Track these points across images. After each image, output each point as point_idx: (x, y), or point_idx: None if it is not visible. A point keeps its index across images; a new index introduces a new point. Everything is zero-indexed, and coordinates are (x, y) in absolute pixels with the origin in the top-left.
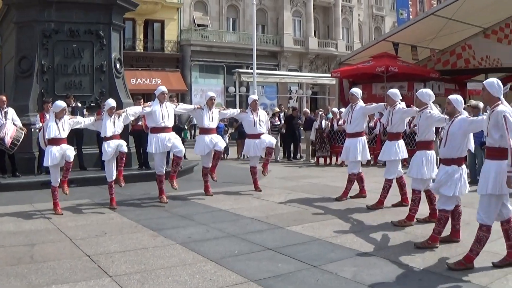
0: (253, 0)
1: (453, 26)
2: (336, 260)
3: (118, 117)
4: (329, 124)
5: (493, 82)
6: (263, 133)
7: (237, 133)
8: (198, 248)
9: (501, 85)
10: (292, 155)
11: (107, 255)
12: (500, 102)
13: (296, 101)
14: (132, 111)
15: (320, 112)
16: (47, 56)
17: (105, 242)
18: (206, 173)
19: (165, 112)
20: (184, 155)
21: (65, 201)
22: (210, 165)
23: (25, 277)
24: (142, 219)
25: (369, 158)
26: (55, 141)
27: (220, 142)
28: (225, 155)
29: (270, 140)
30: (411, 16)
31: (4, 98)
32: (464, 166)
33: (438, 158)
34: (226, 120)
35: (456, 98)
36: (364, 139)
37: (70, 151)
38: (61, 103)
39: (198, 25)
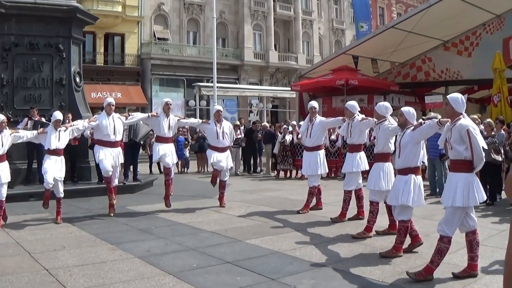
0: (213, 13)
1: (413, 39)
2: (295, 273)
3: (65, 131)
4: (292, 137)
5: (457, 97)
6: (227, 147)
7: (197, 145)
8: (157, 261)
9: (465, 101)
10: (252, 168)
11: (65, 269)
12: (461, 116)
13: (257, 115)
14: (80, 125)
15: (284, 126)
16: (7, 70)
17: (63, 256)
18: (168, 172)
19: (112, 125)
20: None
21: (24, 215)
22: (171, 164)
23: None
24: (101, 233)
25: (327, 171)
26: None
27: (168, 158)
28: (185, 169)
29: (225, 171)
30: (372, 29)
31: None
32: (420, 177)
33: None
34: (186, 133)
35: (408, 110)
36: (323, 152)
37: (4, 177)
38: (0, 116)
39: (159, 38)
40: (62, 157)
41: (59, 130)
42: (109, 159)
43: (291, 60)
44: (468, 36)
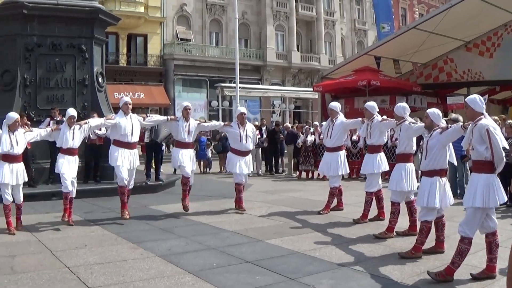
0: (235, 14)
1: (435, 39)
2: (314, 273)
3: (79, 128)
4: (314, 138)
5: (475, 98)
6: (249, 150)
7: (220, 146)
8: (177, 260)
9: (483, 100)
10: (274, 169)
11: (86, 267)
12: (482, 116)
13: (279, 115)
14: (94, 123)
15: (306, 126)
16: (30, 70)
17: (85, 254)
18: (185, 182)
19: (129, 125)
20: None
21: (46, 214)
22: (190, 173)
23: (5, 287)
24: (123, 232)
25: (348, 171)
26: (7, 158)
27: (188, 167)
28: (208, 169)
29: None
30: (394, 30)
31: None
32: (445, 178)
33: (420, 171)
34: (208, 134)
35: (433, 111)
36: (344, 153)
37: (19, 178)
38: (13, 114)
39: (181, 39)
40: (76, 156)
41: (73, 128)
42: (126, 164)
43: (313, 61)
44: (489, 37)
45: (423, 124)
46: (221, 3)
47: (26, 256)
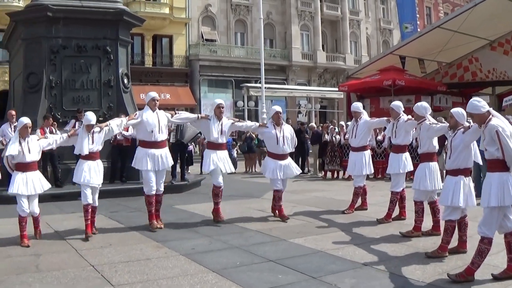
0: (260, 14)
1: (459, 38)
2: (336, 272)
3: (99, 131)
4: (339, 138)
5: (471, 104)
6: (288, 153)
7: (246, 146)
8: (201, 259)
9: (480, 102)
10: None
11: (111, 265)
12: (491, 116)
13: (305, 115)
14: (115, 123)
15: (330, 126)
16: (55, 72)
17: (109, 253)
18: (217, 193)
19: (156, 121)
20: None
21: (72, 213)
22: (222, 183)
23: (29, 285)
24: (147, 231)
25: (373, 171)
26: (20, 166)
27: (220, 177)
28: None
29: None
30: (418, 29)
31: (13, 112)
32: (470, 178)
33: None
34: (234, 134)
35: (458, 111)
36: (368, 152)
37: (37, 187)
38: (23, 119)
39: (206, 40)
40: (99, 160)
41: (93, 132)
42: (153, 166)
43: (339, 61)
44: None
45: (445, 124)
46: (246, 3)
47: (51, 255)
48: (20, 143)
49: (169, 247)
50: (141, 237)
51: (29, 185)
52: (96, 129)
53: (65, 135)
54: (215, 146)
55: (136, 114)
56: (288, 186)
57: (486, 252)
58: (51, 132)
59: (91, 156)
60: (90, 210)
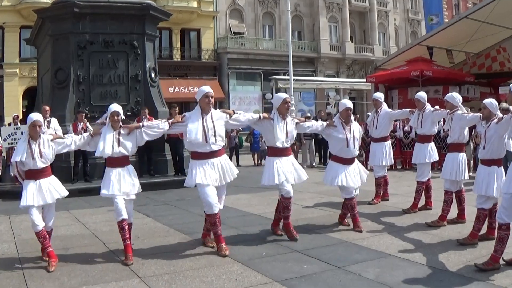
0: (287, 7)
1: (487, 29)
2: (361, 262)
3: (128, 133)
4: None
5: None
6: (355, 157)
7: None
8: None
9: None
10: (322, 160)
11: (138, 258)
12: None
13: (334, 107)
14: (153, 129)
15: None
16: (83, 67)
17: (137, 246)
18: (287, 205)
19: (210, 127)
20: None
21: (100, 208)
22: (292, 192)
23: (58, 279)
24: (175, 224)
25: (393, 162)
26: (30, 174)
27: (289, 184)
28: (261, 161)
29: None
30: (446, 20)
31: (47, 108)
32: (502, 168)
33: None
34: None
35: (491, 102)
36: (389, 143)
37: (48, 197)
38: (33, 115)
39: (234, 33)
40: (130, 166)
41: (119, 131)
42: (211, 181)
43: (367, 52)
44: None
45: (477, 114)
46: None
47: (80, 249)
48: (30, 145)
49: (196, 239)
50: (168, 230)
51: (43, 194)
52: (124, 130)
53: (86, 134)
54: (279, 152)
55: (184, 116)
56: (314, 177)
57: (507, 238)
58: (84, 129)
59: (119, 161)
60: (126, 227)
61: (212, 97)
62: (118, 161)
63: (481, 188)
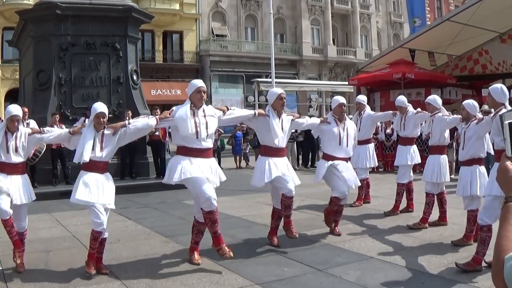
0: (270, 9)
1: (469, 31)
2: (342, 264)
3: (113, 134)
4: None
5: (497, 88)
6: (350, 157)
7: (256, 140)
8: (209, 253)
9: (506, 91)
10: (310, 162)
11: (119, 261)
12: (503, 107)
13: (316, 109)
14: (140, 124)
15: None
16: (65, 69)
17: (118, 249)
18: (289, 204)
19: (202, 123)
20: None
21: (82, 210)
22: (293, 190)
23: (38, 282)
24: (156, 226)
25: (377, 164)
26: (3, 167)
27: (290, 182)
28: (246, 163)
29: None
30: (428, 22)
31: (26, 109)
32: (483, 167)
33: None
34: (243, 128)
35: (469, 103)
36: (372, 146)
37: (16, 198)
38: (12, 108)
39: (217, 35)
40: (107, 174)
41: (102, 133)
42: (203, 172)
43: (349, 54)
44: None
45: (457, 116)
46: None
47: (61, 251)
48: (6, 137)
49: (177, 241)
50: (150, 233)
51: (14, 192)
52: (108, 130)
53: (65, 130)
54: (274, 151)
55: (172, 111)
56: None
57: (488, 240)
58: None
59: (96, 166)
60: (100, 238)
61: (204, 92)
62: (97, 166)
63: (467, 189)
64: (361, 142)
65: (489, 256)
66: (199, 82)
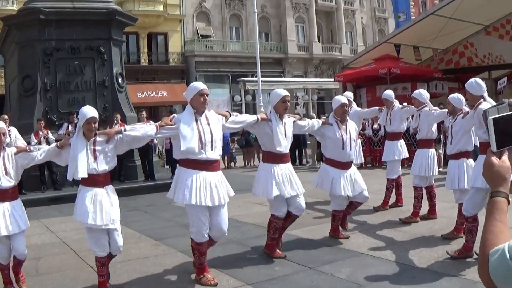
0: (254, 8)
1: (454, 24)
2: (333, 262)
3: (107, 141)
4: None
5: (471, 82)
6: (352, 161)
7: (243, 140)
8: None
9: (481, 83)
10: (298, 160)
11: (109, 265)
12: (482, 100)
13: (303, 107)
14: (139, 133)
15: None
16: (50, 74)
17: None
18: (277, 228)
19: (206, 131)
20: None
21: (71, 216)
22: (284, 212)
23: None
24: (146, 229)
25: (363, 161)
26: None
27: (301, 198)
28: (233, 164)
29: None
30: (413, 17)
31: (6, 116)
32: (471, 160)
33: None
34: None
35: (453, 97)
36: (359, 142)
37: (5, 228)
38: None
39: (202, 35)
40: (109, 187)
41: (94, 141)
42: (204, 197)
43: (335, 51)
44: (509, 20)
45: (444, 110)
46: None
47: (51, 257)
48: None
49: (167, 244)
50: (140, 236)
51: (7, 220)
52: (101, 137)
53: (52, 146)
54: (278, 158)
55: (173, 118)
56: None
57: (475, 230)
58: (45, 137)
59: (94, 180)
60: (106, 262)
61: (207, 94)
62: (95, 180)
63: (455, 182)
64: None
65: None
66: (200, 85)
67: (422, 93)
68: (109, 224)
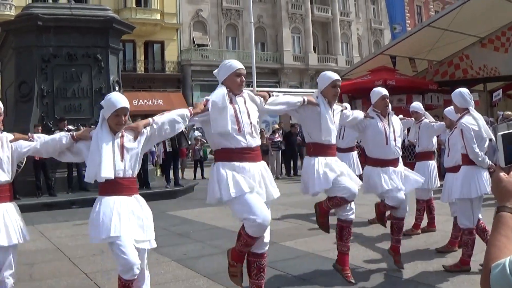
0: (251, 18)
1: (449, 36)
2: (326, 274)
3: (135, 138)
4: None
5: (456, 93)
6: (398, 158)
7: None
8: (192, 264)
9: (466, 95)
10: (292, 171)
11: (103, 273)
12: (466, 111)
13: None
14: (172, 116)
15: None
16: (46, 80)
17: (102, 260)
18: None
19: (243, 111)
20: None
21: (65, 222)
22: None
23: None
24: None
25: (361, 172)
26: None
27: (353, 187)
28: None
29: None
30: (409, 28)
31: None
32: None
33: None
34: None
35: (450, 110)
36: (356, 153)
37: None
38: None
39: (198, 44)
40: (137, 196)
41: (122, 136)
42: (252, 187)
43: (330, 62)
44: (504, 32)
45: (443, 123)
46: (237, 7)
47: (45, 264)
48: None
49: (161, 253)
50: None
51: (1, 231)
52: (129, 133)
53: (64, 136)
54: (325, 149)
55: (205, 100)
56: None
57: (471, 242)
58: None
59: (119, 185)
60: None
61: (245, 76)
62: (121, 186)
63: (450, 195)
64: (344, 150)
65: (473, 262)
66: (236, 63)
67: (419, 106)
68: (139, 240)
